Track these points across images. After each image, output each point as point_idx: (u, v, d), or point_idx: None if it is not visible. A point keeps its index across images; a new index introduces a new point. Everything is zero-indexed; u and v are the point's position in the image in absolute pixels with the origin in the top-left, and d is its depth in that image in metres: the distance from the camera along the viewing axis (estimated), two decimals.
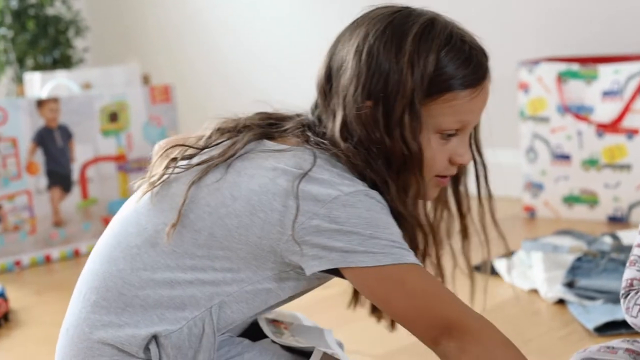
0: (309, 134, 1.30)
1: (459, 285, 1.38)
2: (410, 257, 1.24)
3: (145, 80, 3.59)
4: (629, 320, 1.47)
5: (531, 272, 2.30)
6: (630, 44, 3.09)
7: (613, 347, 1.45)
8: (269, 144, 1.29)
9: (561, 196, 3.01)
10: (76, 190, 2.97)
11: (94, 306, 1.28)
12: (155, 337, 1.25)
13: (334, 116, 1.29)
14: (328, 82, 1.31)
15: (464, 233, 1.42)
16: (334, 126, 1.29)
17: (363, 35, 1.28)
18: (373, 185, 1.27)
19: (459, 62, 1.28)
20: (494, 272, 2.36)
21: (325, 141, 1.28)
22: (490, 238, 1.41)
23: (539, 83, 3.01)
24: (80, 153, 2.98)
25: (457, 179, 1.40)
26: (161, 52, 4.35)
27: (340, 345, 1.47)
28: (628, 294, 1.48)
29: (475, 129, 1.37)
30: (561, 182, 3.01)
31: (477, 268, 2.40)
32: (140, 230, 1.29)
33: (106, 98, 3.02)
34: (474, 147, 1.38)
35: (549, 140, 3.01)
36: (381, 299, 1.25)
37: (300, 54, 3.79)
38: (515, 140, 3.19)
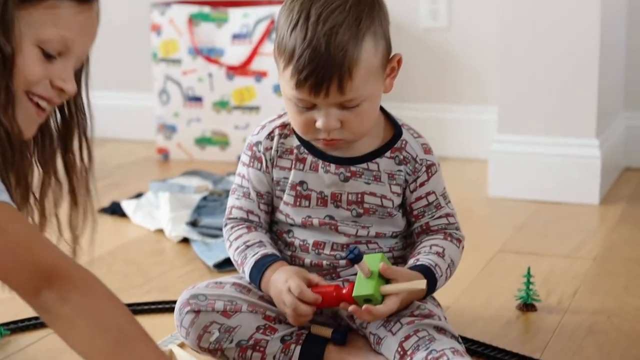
0: None
1: None
2: (2, 196, 1.15)
3: None
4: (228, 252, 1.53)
5: (158, 213, 2.33)
6: None
7: (221, 282, 1.50)
8: None
9: (194, 138, 3.06)
10: None
11: None
12: None
13: None
14: None
15: (73, 200, 1.36)
16: None
17: None
18: None
19: None
20: (122, 214, 2.37)
21: None
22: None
23: (170, 25, 3.03)
24: None
25: (66, 145, 1.35)
26: None
27: None
28: (226, 224, 1.54)
29: (84, 73, 1.33)
30: (193, 124, 3.06)
31: (105, 210, 2.41)
32: None
33: None
34: (83, 94, 1.34)
35: (181, 82, 3.04)
36: None
37: None
38: (148, 83, 3.20)
